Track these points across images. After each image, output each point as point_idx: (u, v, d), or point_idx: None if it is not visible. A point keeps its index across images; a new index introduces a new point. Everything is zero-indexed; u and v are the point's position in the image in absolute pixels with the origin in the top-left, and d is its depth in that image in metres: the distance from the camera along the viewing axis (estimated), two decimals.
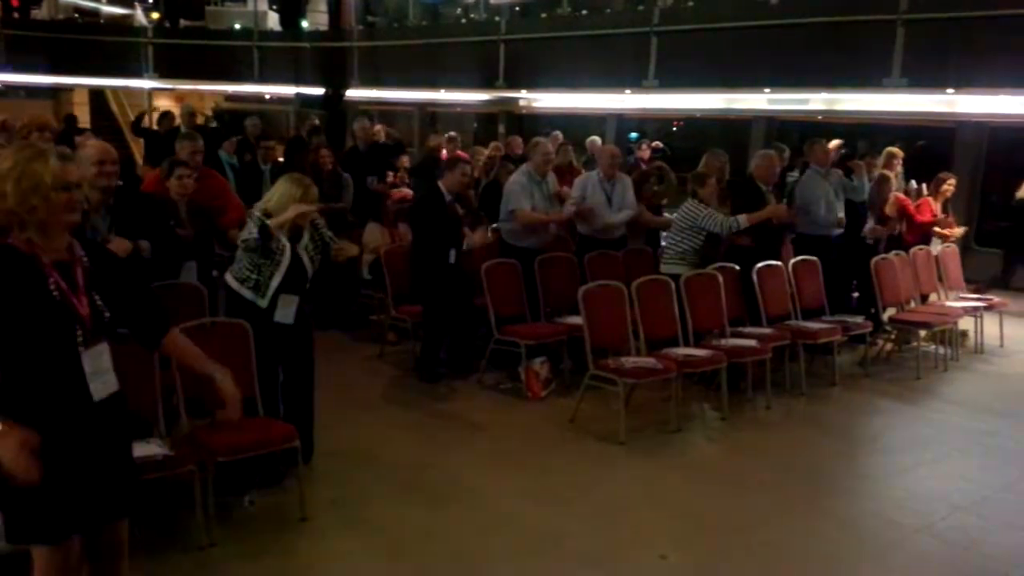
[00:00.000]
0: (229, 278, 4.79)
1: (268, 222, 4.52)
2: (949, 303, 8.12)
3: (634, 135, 14.94)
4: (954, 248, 8.67)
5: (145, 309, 2.90)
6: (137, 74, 19.52)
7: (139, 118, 14.05)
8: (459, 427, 5.82)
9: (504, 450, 5.43)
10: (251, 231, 4.57)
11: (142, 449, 3.75)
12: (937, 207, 8.47)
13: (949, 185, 8.48)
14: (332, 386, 6.14)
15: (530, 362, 6.40)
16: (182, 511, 4.11)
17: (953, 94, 10.25)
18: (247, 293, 4.68)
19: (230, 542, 4.09)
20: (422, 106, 18.21)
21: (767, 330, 6.67)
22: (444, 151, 10.19)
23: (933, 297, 8.31)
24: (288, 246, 4.65)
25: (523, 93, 15.23)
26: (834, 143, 8.92)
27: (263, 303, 4.66)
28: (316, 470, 4.85)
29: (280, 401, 4.72)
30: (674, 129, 15.85)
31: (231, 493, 4.38)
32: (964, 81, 9.79)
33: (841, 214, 7.60)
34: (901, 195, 8.48)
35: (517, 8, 18.07)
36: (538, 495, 4.79)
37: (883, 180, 8.11)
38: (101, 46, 19.46)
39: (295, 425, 4.40)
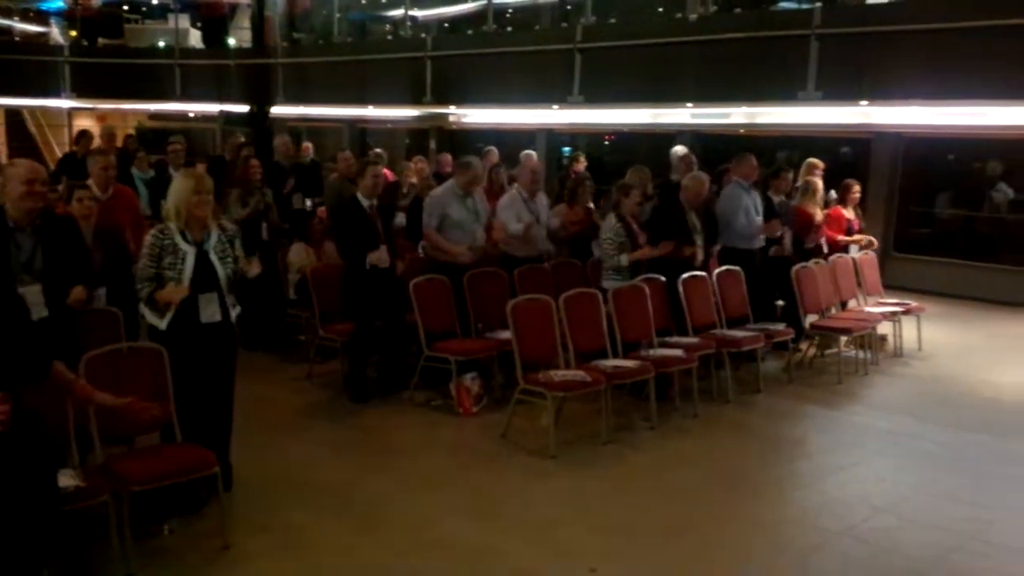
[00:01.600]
0: (141, 305, 4.67)
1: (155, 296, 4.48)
2: (868, 309, 8.35)
3: (567, 149, 15.15)
4: (871, 255, 8.94)
5: (21, 348, 2.81)
6: (55, 94, 19.01)
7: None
8: (389, 446, 5.76)
9: (435, 468, 5.38)
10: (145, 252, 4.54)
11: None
12: (849, 213, 8.75)
13: (856, 192, 8.78)
14: (259, 408, 6.05)
15: (461, 378, 6.37)
16: (100, 543, 3.97)
17: (867, 106, 10.58)
18: (149, 314, 4.57)
19: (151, 572, 3.96)
20: (352, 122, 18.10)
21: (693, 339, 6.77)
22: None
23: (853, 303, 8.54)
24: (191, 250, 4.53)
25: (452, 109, 15.24)
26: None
27: (162, 324, 4.52)
28: (240, 495, 4.74)
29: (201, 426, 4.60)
30: (606, 143, 16.08)
31: (150, 522, 4.25)
32: (877, 93, 10.11)
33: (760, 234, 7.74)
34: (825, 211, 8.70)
35: (446, 24, 18.12)
36: (469, 512, 4.76)
37: (806, 187, 8.31)
38: (16, 65, 18.87)
39: (213, 446, 4.30)
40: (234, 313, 4.73)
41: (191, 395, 4.49)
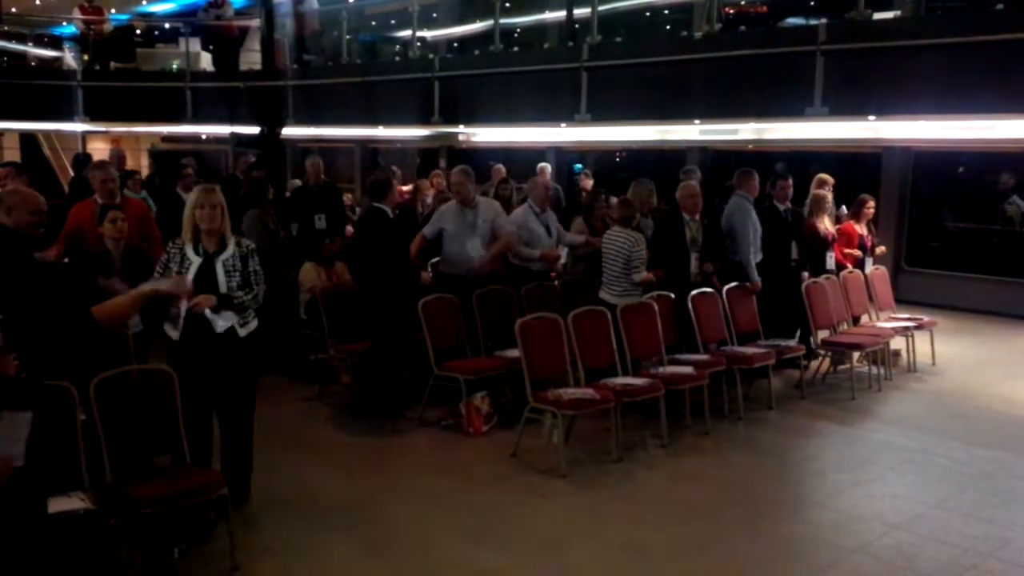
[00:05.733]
0: (166, 324, 4.74)
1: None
2: (880, 324, 8.29)
3: (578, 167, 15.22)
4: (883, 269, 8.89)
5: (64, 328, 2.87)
6: (68, 117, 19.14)
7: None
8: (398, 467, 5.74)
9: (444, 489, 5.36)
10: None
11: (63, 504, 3.64)
12: (861, 228, 8.71)
13: (869, 208, 8.74)
14: (269, 428, 6.02)
15: (471, 397, 6.36)
16: (109, 566, 3.96)
17: (875, 120, 10.55)
18: (168, 328, 4.68)
19: None
20: (363, 143, 18.17)
21: (703, 356, 6.74)
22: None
23: (865, 318, 8.48)
24: (197, 260, 4.64)
25: (460, 128, 15.30)
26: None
27: (175, 334, 4.63)
28: (249, 517, 4.74)
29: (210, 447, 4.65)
30: (617, 160, 16.14)
31: (160, 545, 4.25)
32: (885, 108, 10.06)
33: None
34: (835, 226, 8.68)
35: (454, 44, 18.21)
36: (478, 533, 4.73)
37: (816, 200, 8.30)
38: (30, 90, 19.04)
39: (233, 465, 4.37)
40: (245, 330, 4.76)
41: (205, 409, 4.58)
